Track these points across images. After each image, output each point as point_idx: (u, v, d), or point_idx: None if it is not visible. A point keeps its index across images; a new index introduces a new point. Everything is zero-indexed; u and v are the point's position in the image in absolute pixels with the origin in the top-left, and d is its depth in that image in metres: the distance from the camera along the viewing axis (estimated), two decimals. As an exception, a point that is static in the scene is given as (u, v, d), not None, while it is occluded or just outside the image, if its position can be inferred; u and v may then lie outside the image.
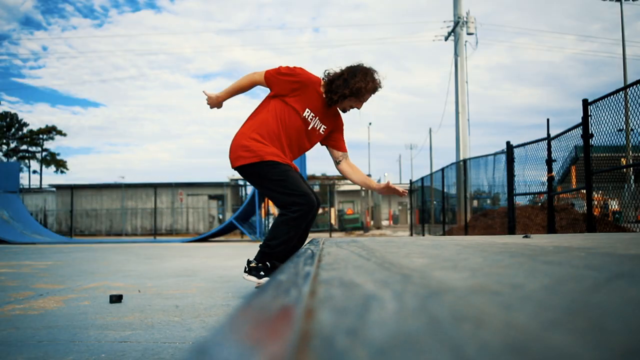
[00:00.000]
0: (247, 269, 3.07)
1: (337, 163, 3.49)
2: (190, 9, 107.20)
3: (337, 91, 3.06)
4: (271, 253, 3.02)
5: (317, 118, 3.19)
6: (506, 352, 0.28)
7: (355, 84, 3.04)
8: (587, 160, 5.88)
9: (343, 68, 3.14)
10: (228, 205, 25.43)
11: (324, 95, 3.14)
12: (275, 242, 2.99)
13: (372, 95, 3.19)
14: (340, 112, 3.34)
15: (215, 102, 3.28)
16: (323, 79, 3.16)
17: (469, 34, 19.23)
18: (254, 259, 3.08)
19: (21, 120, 53.49)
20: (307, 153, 15.01)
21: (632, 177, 7.75)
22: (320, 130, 3.24)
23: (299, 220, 2.97)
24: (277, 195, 3.03)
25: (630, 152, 6.79)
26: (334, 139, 3.42)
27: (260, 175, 3.06)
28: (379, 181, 4.68)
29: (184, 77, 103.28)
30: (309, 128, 3.18)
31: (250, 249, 9.62)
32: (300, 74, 3.08)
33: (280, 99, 3.10)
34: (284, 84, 3.07)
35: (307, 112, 3.13)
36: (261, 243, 3.12)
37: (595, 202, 7.71)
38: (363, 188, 28.74)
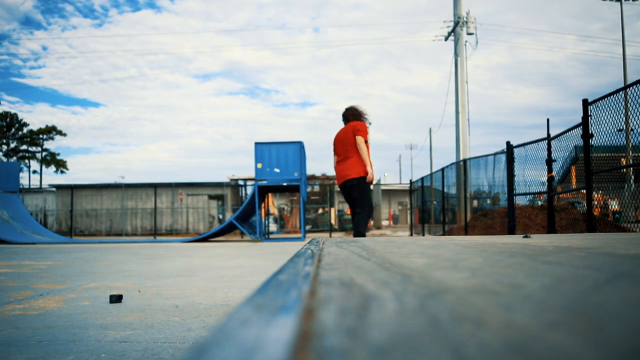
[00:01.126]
0: None
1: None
2: (190, 9, 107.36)
3: (359, 119, 5.87)
4: (362, 235, 5.47)
5: None
6: (506, 352, 0.28)
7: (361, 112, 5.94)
8: (587, 160, 5.88)
9: (348, 107, 6.00)
10: (228, 205, 25.44)
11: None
12: (361, 228, 5.45)
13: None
14: None
15: (373, 173, 5.60)
16: (357, 118, 5.88)
17: (469, 34, 19.24)
18: None
19: (21, 120, 53.58)
20: (307, 153, 15.21)
21: (632, 177, 7.74)
22: None
23: (368, 217, 5.56)
24: (364, 200, 5.54)
25: (630, 152, 6.79)
26: None
27: (364, 185, 5.55)
28: (379, 181, 7.14)
29: (184, 77, 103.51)
30: None
31: (250, 249, 9.60)
32: (364, 125, 5.71)
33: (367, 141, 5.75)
34: (368, 134, 5.71)
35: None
36: (354, 233, 5.53)
37: (595, 202, 7.72)
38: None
